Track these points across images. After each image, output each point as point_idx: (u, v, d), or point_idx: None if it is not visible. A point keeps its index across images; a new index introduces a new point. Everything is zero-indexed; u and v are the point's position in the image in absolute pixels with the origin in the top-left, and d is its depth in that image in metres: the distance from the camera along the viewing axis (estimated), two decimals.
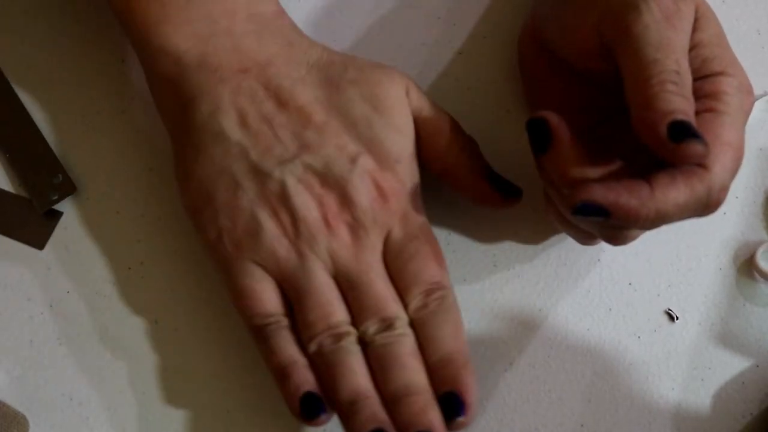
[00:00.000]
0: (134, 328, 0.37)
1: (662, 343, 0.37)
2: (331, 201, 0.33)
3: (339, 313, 0.33)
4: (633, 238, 0.33)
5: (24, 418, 0.36)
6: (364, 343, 0.33)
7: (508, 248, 0.38)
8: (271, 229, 0.32)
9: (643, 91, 0.28)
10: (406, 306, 0.33)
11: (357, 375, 0.32)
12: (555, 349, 0.37)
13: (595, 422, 0.37)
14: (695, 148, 0.27)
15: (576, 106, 0.34)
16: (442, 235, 0.38)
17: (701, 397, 0.37)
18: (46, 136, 0.39)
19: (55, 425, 0.37)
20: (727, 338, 0.37)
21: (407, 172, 0.34)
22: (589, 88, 0.34)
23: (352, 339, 0.33)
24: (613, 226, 0.31)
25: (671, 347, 0.37)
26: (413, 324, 0.33)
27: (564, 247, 0.38)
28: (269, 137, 0.33)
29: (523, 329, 0.37)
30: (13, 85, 0.39)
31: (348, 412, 0.32)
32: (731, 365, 0.37)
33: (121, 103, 0.39)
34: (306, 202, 0.33)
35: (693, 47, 0.30)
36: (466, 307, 0.37)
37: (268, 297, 0.33)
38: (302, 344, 0.33)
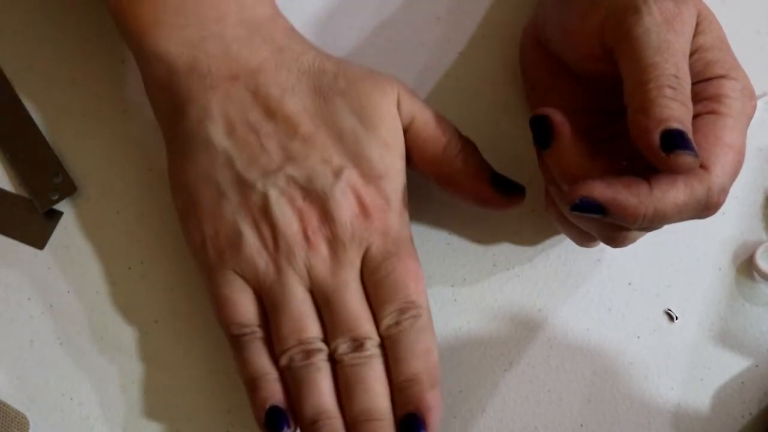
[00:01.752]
0: (134, 327, 0.37)
1: (661, 343, 0.37)
2: (311, 215, 0.33)
3: (311, 329, 0.33)
4: (632, 240, 0.33)
5: (24, 417, 0.36)
6: (334, 360, 0.33)
7: (508, 248, 0.38)
8: (251, 241, 0.33)
9: (641, 94, 0.28)
10: (379, 323, 0.33)
11: (322, 394, 0.32)
12: (555, 349, 0.37)
13: (594, 422, 0.37)
14: (685, 159, 0.27)
15: (578, 109, 0.34)
16: (442, 235, 0.38)
17: (700, 397, 0.37)
18: (46, 136, 0.39)
19: (55, 425, 0.37)
20: (727, 338, 0.37)
21: (392, 188, 0.33)
22: (591, 91, 0.34)
23: (322, 356, 0.33)
24: (612, 225, 0.31)
25: (670, 347, 0.37)
26: (384, 342, 0.33)
27: (564, 247, 0.38)
28: (255, 147, 0.33)
29: (523, 329, 0.37)
30: (14, 86, 0.39)
31: (310, 429, 0.32)
32: (730, 365, 0.37)
33: (121, 103, 0.39)
34: (287, 216, 0.32)
35: (695, 51, 0.30)
36: (466, 307, 0.38)
37: (245, 308, 0.33)
38: (275, 356, 0.33)
